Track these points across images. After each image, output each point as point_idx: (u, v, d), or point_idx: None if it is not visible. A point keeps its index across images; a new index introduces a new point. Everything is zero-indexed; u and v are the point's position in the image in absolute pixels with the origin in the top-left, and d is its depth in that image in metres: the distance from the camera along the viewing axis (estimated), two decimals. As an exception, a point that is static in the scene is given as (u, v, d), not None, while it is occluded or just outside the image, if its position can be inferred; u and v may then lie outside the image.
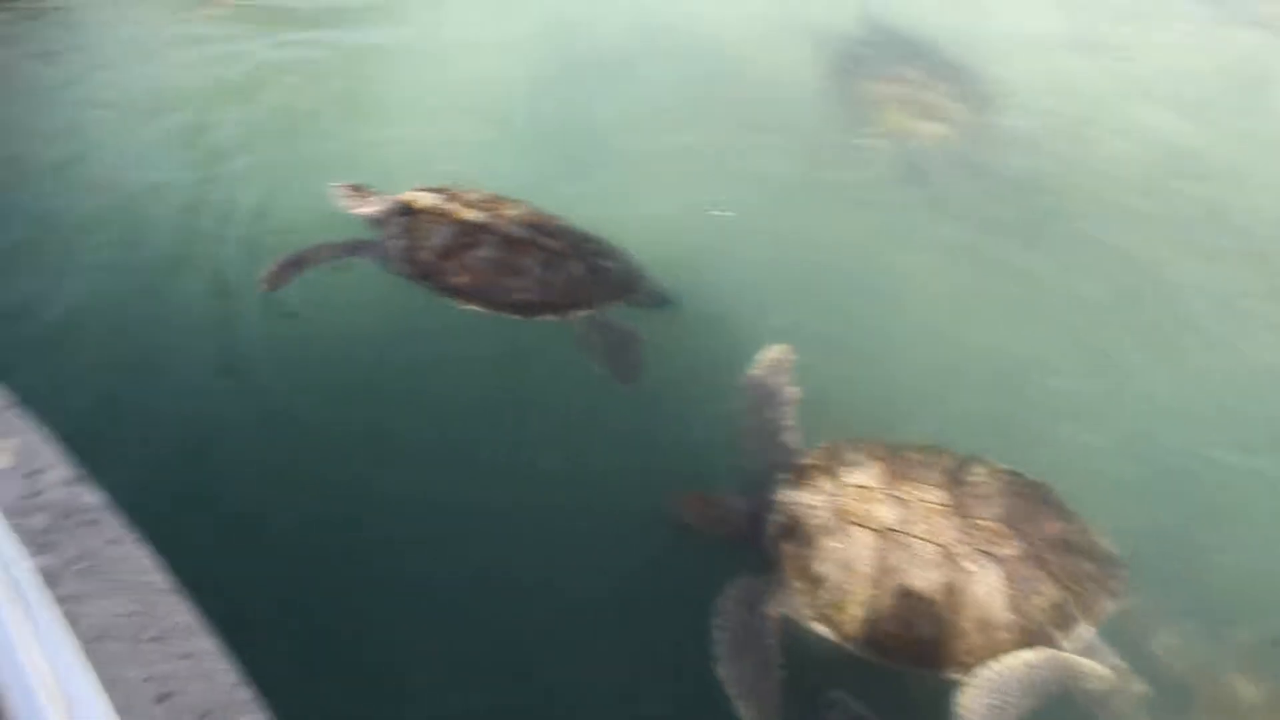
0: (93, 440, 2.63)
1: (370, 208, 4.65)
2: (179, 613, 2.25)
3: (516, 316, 4.18)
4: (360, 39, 6.25)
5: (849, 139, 5.62)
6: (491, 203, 4.50)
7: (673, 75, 5.97)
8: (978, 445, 3.48)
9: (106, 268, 4.39)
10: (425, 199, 4.52)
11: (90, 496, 2.26)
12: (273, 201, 4.82)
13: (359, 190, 4.73)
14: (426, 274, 4.27)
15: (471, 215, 4.40)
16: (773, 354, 4.01)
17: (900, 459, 3.39)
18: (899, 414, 3.93)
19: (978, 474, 3.34)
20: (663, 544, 3.44)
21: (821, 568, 3.20)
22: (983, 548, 3.12)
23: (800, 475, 3.42)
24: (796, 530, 3.30)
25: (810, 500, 3.32)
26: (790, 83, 6.02)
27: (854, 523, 3.22)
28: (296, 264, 4.34)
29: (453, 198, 4.52)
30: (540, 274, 4.23)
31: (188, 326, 4.14)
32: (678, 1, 6.68)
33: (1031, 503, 3.30)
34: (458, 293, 4.22)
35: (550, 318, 4.21)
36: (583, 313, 4.23)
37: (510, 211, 4.45)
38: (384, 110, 5.55)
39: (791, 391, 3.83)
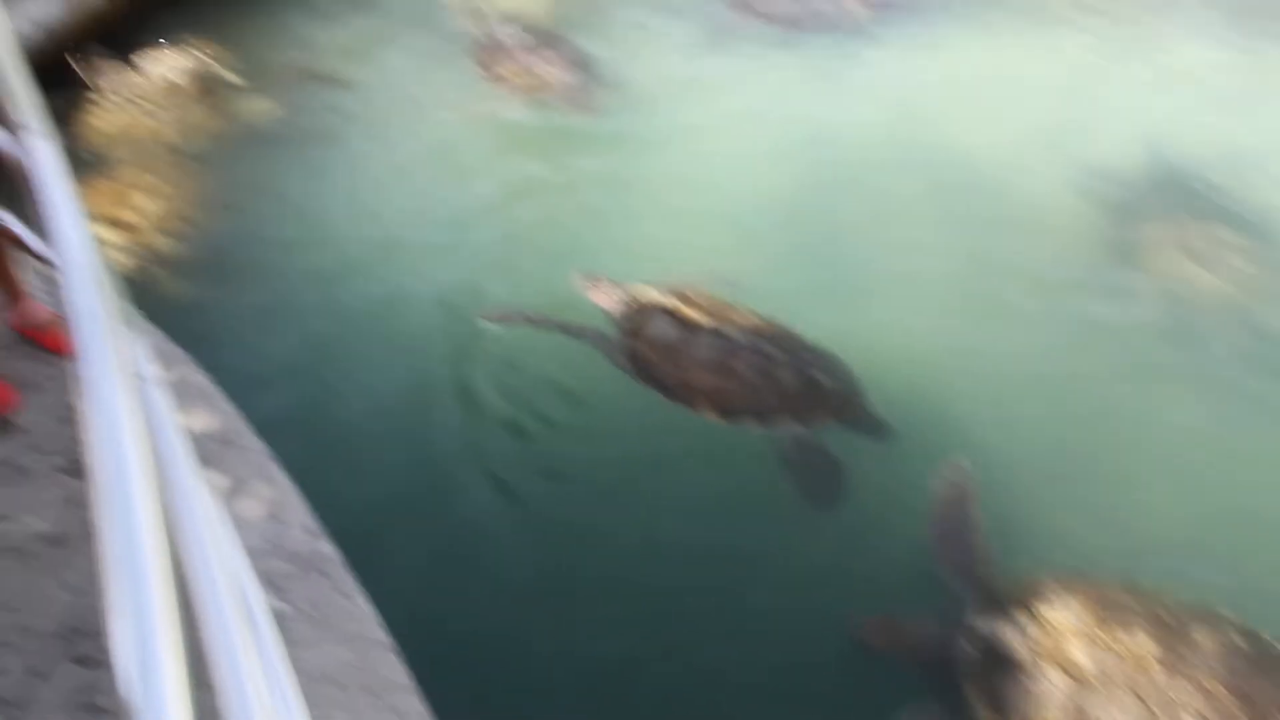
0: (361, 540, 2.81)
1: (605, 299, 4.85)
2: (394, 670, 2.35)
3: (720, 419, 4.23)
4: (614, 135, 6.52)
5: (1110, 277, 5.37)
6: (720, 306, 4.61)
7: (922, 192, 5.90)
8: (1211, 599, 3.20)
9: (376, 369, 4.74)
10: (655, 296, 4.69)
11: (327, 549, 2.42)
12: (520, 296, 5.11)
13: (598, 281, 4.94)
14: (640, 367, 4.42)
15: (697, 316, 4.52)
16: (955, 473, 3.93)
17: (1112, 600, 3.15)
18: (1120, 555, 3.71)
19: (1206, 628, 3.04)
20: (849, 660, 3.40)
21: (1010, 703, 3.00)
22: (1195, 711, 2.82)
23: (996, 605, 3.25)
24: (988, 662, 3.12)
25: (1005, 633, 3.13)
26: (1050, 211, 5.81)
27: (1050, 662, 3.01)
28: (527, 318, 4.66)
29: (683, 298, 4.66)
30: (751, 380, 4.26)
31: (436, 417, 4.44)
32: (933, 117, 6.60)
33: (1271, 672, 2.95)
34: (666, 389, 4.34)
35: (754, 425, 4.23)
36: (787, 425, 4.23)
37: (736, 316, 4.54)
38: (631, 210, 5.76)
39: (978, 516, 3.73)
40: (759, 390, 4.25)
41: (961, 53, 7.21)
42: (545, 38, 7.27)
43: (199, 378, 2.91)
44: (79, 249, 1.17)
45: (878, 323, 4.88)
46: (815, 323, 4.62)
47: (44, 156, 1.28)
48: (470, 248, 5.46)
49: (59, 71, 6.22)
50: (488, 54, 7.07)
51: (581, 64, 7.00)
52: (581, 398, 4.52)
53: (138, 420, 0.96)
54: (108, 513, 0.88)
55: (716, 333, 4.41)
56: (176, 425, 1.28)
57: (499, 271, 5.25)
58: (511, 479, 4.12)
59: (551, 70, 6.84)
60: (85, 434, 0.97)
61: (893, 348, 4.69)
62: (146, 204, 5.77)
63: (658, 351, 4.43)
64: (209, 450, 2.59)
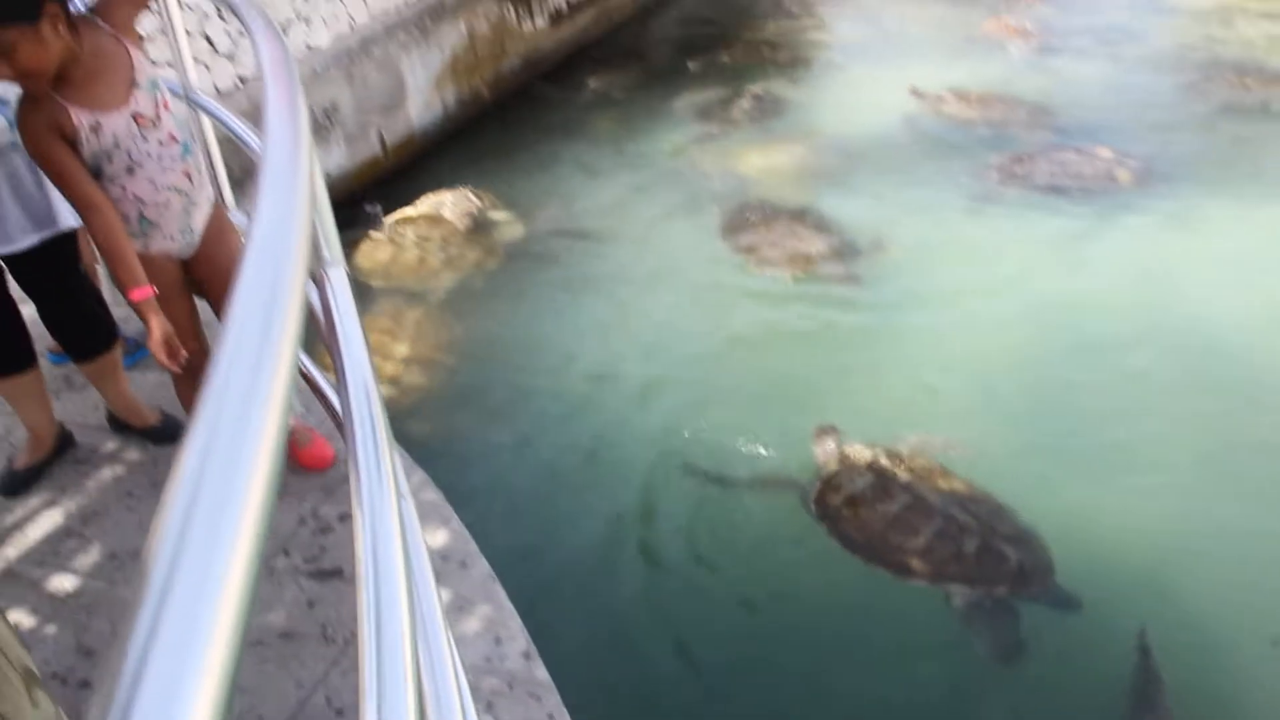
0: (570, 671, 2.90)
1: (824, 451, 4.89)
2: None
3: (890, 574, 4.23)
4: (864, 295, 6.52)
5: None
6: (929, 469, 4.62)
7: (1171, 367, 5.62)
8: None
9: (598, 506, 4.88)
10: (865, 453, 4.74)
11: (542, 674, 2.48)
12: (748, 442, 5.15)
13: (827, 433, 4.98)
14: (826, 515, 4.48)
15: (900, 475, 4.57)
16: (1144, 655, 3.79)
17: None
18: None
19: None
20: None
21: None
22: None
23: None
24: None
25: None
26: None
27: None
28: (721, 475, 4.76)
29: (894, 458, 4.70)
30: (930, 541, 4.27)
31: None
32: (1189, 290, 6.28)
33: None
34: (851, 544, 4.35)
35: (923, 584, 4.20)
36: (964, 590, 4.18)
37: (942, 481, 4.54)
38: (874, 366, 5.75)
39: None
40: (938, 554, 4.25)
41: (1220, 225, 6.94)
42: (795, 208, 7.42)
43: (434, 495, 3.09)
44: (362, 371, 1.29)
45: (1108, 494, 4.67)
46: (1028, 493, 4.53)
47: (339, 285, 1.41)
48: (709, 390, 5.58)
49: (339, 212, 6.93)
50: (739, 222, 7.27)
51: (832, 230, 7.09)
52: (771, 542, 4.53)
53: (400, 535, 1.05)
54: (370, 616, 0.96)
55: (914, 494, 4.46)
56: (422, 541, 1.39)
57: (733, 415, 5.33)
58: (698, 617, 4.18)
59: (801, 245, 6.92)
60: (353, 540, 1.06)
61: (1120, 518, 4.49)
62: (403, 335, 6.22)
63: (850, 506, 4.50)
64: (439, 566, 2.74)
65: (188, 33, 3.05)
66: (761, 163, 8.30)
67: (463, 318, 6.50)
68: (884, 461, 4.69)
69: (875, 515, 4.42)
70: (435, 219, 7.70)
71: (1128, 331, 5.94)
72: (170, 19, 2.95)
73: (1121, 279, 6.46)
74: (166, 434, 3.47)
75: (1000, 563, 4.26)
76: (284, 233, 0.86)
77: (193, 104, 2.94)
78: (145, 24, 6.38)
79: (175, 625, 0.51)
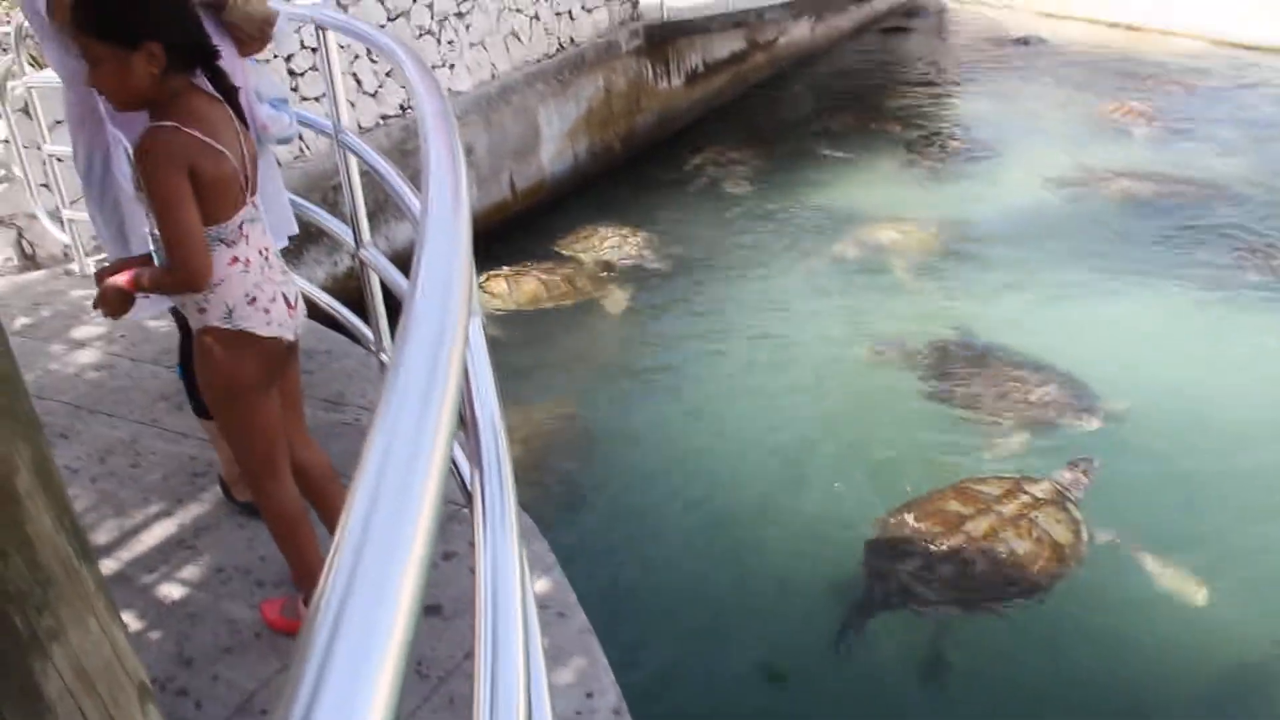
0: None
1: None
2: None
3: None
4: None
5: None
6: None
7: None
8: None
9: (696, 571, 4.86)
10: None
11: (627, 729, 2.49)
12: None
13: None
14: None
15: None
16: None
17: None
18: None
19: None
20: None
21: None
22: None
23: None
24: None
25: None
26: None
27: None
28: None
29: None
30: None
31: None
32: None
33: None
34: None
35: None
36: None
37: None
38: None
39: None
40: None
41: None
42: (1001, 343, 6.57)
43: (538, 542, 3.12)
44: (491, 411, 1.33)
45: None
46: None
47: (474, 329, 1.46)
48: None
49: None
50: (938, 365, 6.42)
51: (1053, 368, 6.25)
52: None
53: (520, 579, 1.08)
54: (485, 658, 0.99)
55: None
56: (532, 587, 1.42)
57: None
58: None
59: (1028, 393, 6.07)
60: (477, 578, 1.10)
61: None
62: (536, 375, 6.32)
63: None
64: (541, 615, 2.77)
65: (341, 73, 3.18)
66: (913, 251, 8.10)
67: (575, 359, 6.60)
68: None
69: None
70: (563, 261, 7.88)
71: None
72: (329, 57, 3.08)
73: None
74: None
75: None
76: (446, 293, 0.90)
77: (342, 145, 3.07)
78: (299, 61, 6.69)
79: (343, 664, 0.56)
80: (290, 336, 2.56)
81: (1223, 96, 11.77)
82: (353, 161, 3.12)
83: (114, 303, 2.41)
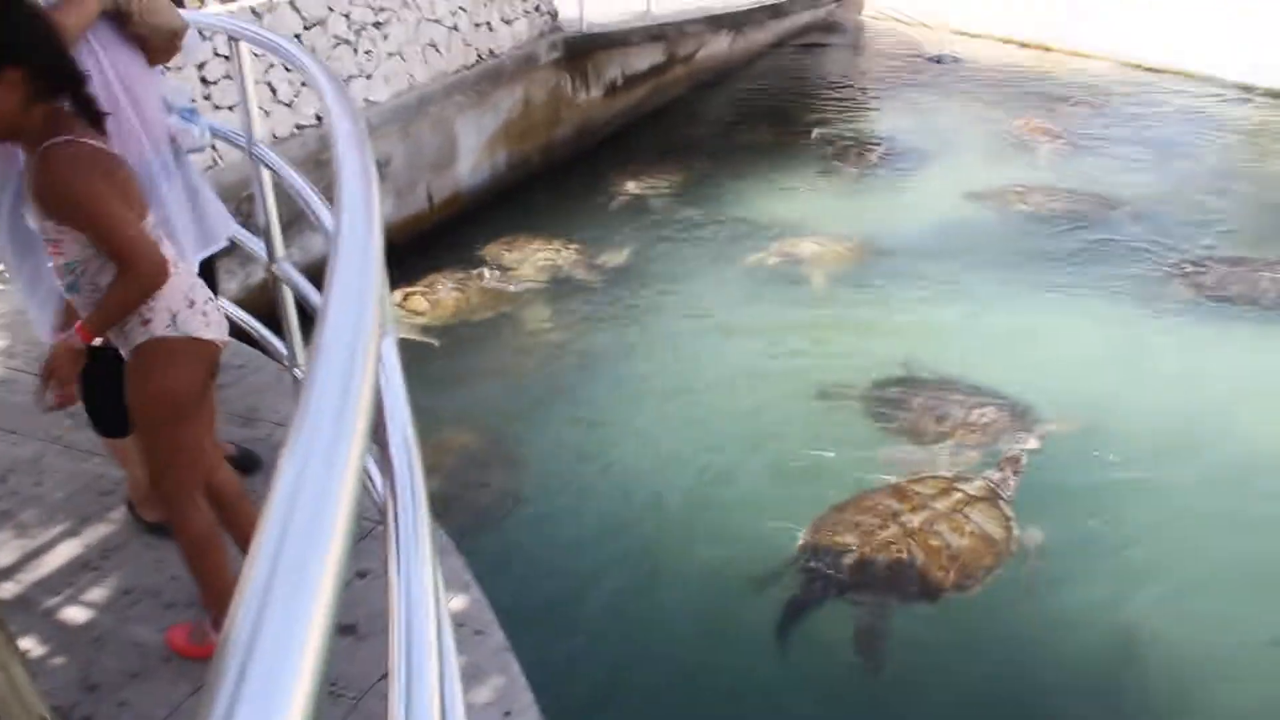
0: None
1: None
2: None
3: None
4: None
5: None
6: None
7: None
8: None
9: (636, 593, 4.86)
10: None
11: (547, 748, 2.48)
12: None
13: None
14: None
15: None
16: None
17: None
18: None
19: None
20: None
21: None
22: None
23: None
24: None
25: None
26: None
27: None
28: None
29: None
30: None
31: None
32: None
33: None
34: None
35: None
36: None
37: None
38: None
39: None
40: None
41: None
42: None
43: (455, 559, 3.10)
44: (404, 429, 1.33)
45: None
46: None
47: (388, 347, 1.46)
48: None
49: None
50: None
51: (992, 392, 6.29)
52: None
53: (434, 599, 1.08)
54: (400, 678, 0.99)
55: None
56: (446, 606, 1.42)
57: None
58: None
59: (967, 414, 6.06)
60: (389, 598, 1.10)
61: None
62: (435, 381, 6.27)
63: None
64: (457, 633, 2.75)
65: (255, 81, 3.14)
66: (832, 264, 8.19)
67: (495, 373, 6.57)
68: None
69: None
70: (482, 274, 7.85)
71: None
72: (241, 69, 3.04)
73: None
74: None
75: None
76: (358, 312, 0.91)
77: (255, 158, 3.03)
78: (213, 69, 6.57)
79: (258, 686, 0.56)
80: (225, 338, 2.52)
81: (1129, 116, 12.15)
82: (265, 174, 3.08)
83: (67, 367, 2.32)
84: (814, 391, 6.29)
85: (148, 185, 2.80)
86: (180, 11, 2.82)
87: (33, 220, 2.30)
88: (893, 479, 5.36)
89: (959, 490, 5.11)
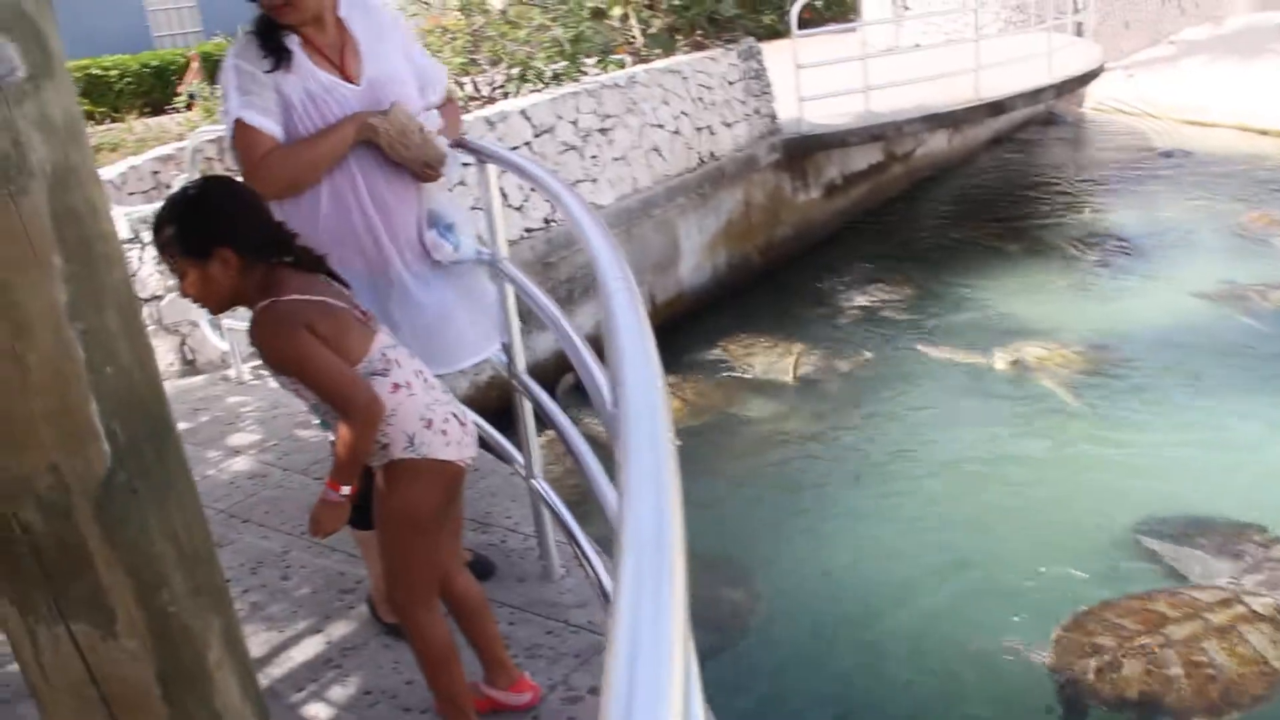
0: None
1: None
2: None
3: None
4: None
5: None
6: None
7: None
8: None
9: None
10: None
11: None
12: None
13: None
14: None
15: None
16: None
17: None
18: None
19: None
20: None
21: None
22: None
23: None
24: None
25: None
26: None
27: None
28: None
29: None
30: None
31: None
32: None
33: None
34: None
35: None
36: None
37: None
38: None
39: None
40: None
41: None
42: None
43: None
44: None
45: None
46: None
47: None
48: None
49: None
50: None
51: None
52: None
53: None
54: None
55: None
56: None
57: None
58: None
59: None
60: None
61: None
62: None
63: None
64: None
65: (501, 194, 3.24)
66: (1065, 370, 7.77)
67: (724, 475, 6.53)
68: None
69: None
70: (705, 375, 7.88)
71: None
72: (489, 188, 3.15)
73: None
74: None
75: None
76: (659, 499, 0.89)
77: (501, 274, 3.12)
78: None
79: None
80: (472, 454, 2.58)
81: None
82: (509, 289, 3.17)
83: (329, 522, 2.46)
84: (1054, 513, 5.92)
85: (387, 299, 2.97)
86: (441, 141, 2.96)
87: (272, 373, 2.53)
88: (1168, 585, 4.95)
89: (1242, 604, 4.61)
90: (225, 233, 2.32)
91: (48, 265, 1.17)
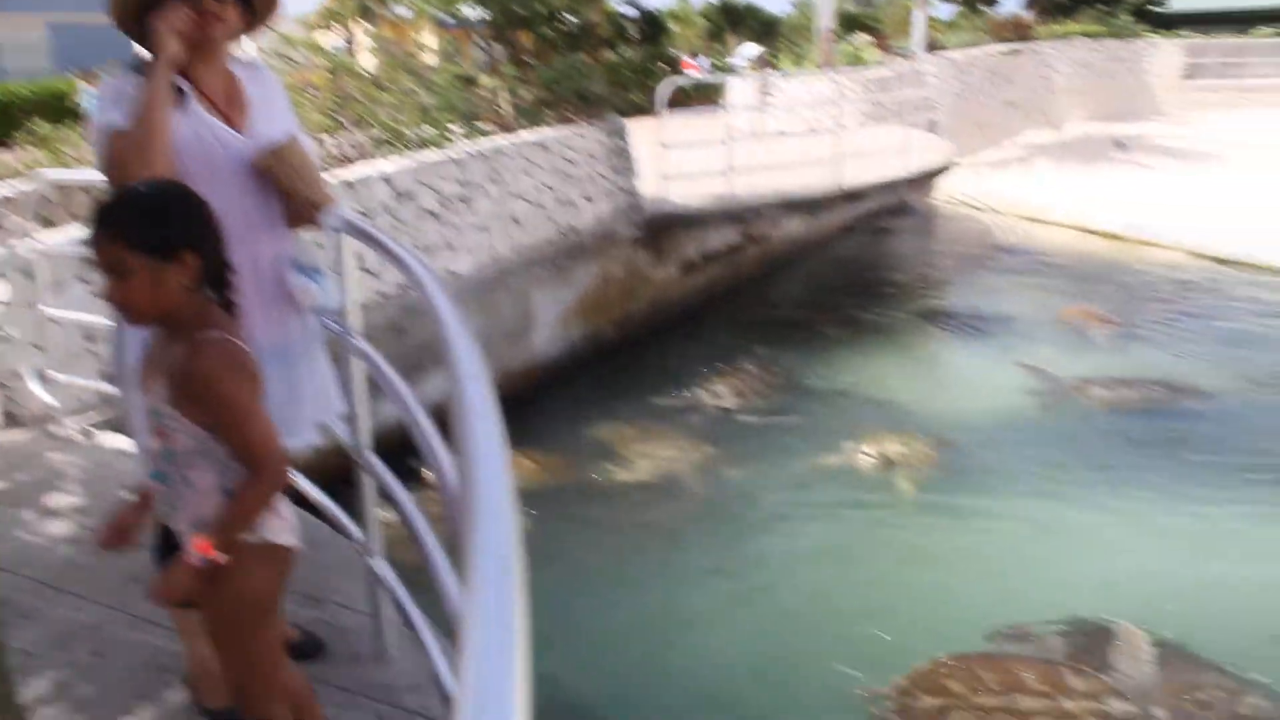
0: None
1: None
2: None
3: None
4: None
5: None
6: None
7: None
8: None
9: None
10: None
11: None
12: None
13: None
14: None
15: None
16: None
17: None
18: None
19: None
20: None
21: None
22: None
23: None
24: None
25: None
26: None
27: None
28: None
29: None
30: None
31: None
32: None
33: None
34: None
35: None
36: None
37: None
38: None
39: None
40: None
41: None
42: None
43: None
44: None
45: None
46: None
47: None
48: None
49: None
50: None
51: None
52: None
53: None
54: None
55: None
56: None
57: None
58: None
59: None
60: None
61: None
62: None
63: None
64: None
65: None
66: (916, 465, 7.90)
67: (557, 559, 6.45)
68: None
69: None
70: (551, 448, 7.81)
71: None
72: (343, 259, 3.09)
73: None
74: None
75: None
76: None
77: (352, 348, 3.04)
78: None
79: None
80: (297, 541, 2.46)
81: (1196, 306, 12.14)
82: (356, 365, 3.09)
83: (182, 587, 2.22)
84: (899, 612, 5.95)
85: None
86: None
87: (152, 399, 2.27)
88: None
89: (1113, 703, 4.41)
90: (195, 237, 2.18)
91: None
